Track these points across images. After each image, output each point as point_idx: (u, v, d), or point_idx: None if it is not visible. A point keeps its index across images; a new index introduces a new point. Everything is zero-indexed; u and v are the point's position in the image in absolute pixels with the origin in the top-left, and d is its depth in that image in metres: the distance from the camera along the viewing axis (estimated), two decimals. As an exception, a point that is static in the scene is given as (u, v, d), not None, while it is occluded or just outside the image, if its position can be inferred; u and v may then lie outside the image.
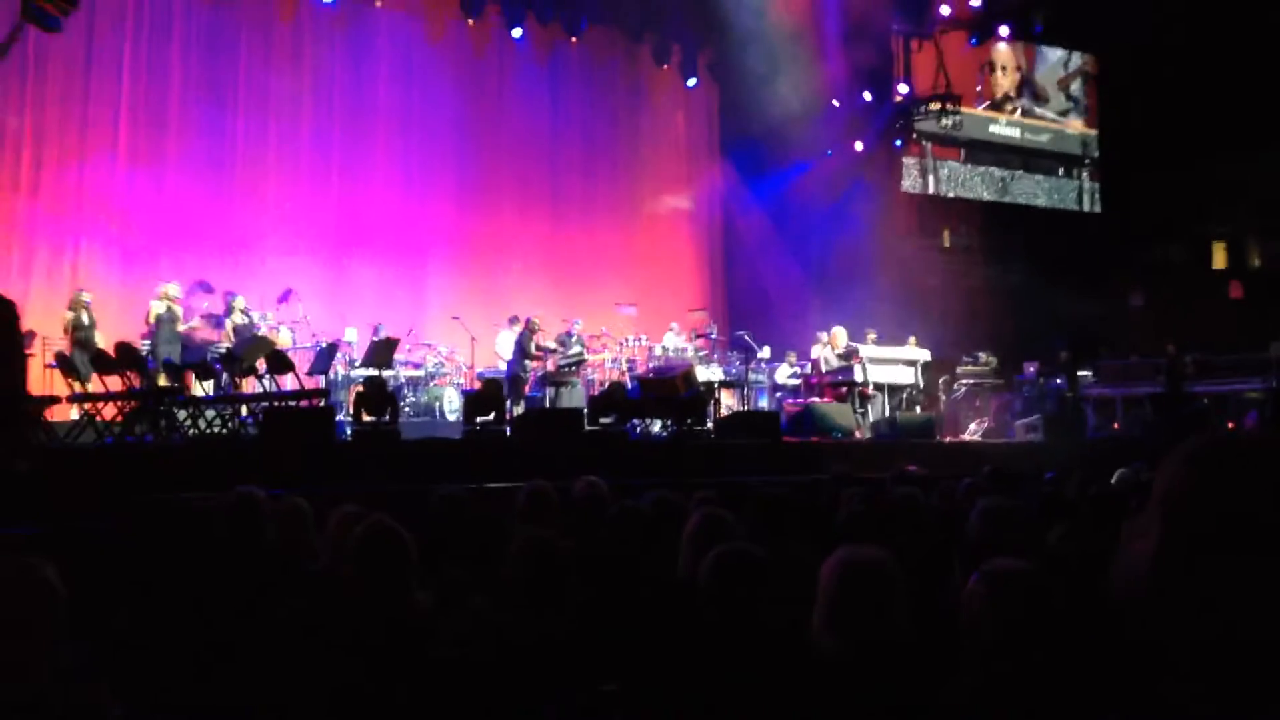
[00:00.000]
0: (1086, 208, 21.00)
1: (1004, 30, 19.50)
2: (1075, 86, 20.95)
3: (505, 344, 14.69)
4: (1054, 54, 20.78)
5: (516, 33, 17.21)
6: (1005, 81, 20.41)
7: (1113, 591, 2.29)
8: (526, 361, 14.17)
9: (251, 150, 15.57)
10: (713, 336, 15.97)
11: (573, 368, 14.50)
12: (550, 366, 14.46)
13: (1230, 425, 15.21)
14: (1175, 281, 19.87)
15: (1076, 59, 20.91)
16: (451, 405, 14.01)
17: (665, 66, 18.66)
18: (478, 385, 13.86)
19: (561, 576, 3.38)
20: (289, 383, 11.53)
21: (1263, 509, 2.17)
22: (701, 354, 15.61)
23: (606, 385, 14.52)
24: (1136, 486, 5.19)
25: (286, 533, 4.36)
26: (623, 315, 16.03)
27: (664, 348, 15.55)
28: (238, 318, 13.07)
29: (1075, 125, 20.98)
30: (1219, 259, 21.08)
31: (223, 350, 12.27)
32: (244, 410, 10.88)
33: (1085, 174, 21.03)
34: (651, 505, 4.38)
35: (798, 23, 17.21)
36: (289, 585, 3.77)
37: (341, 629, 3.21)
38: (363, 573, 3.31)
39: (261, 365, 10.93)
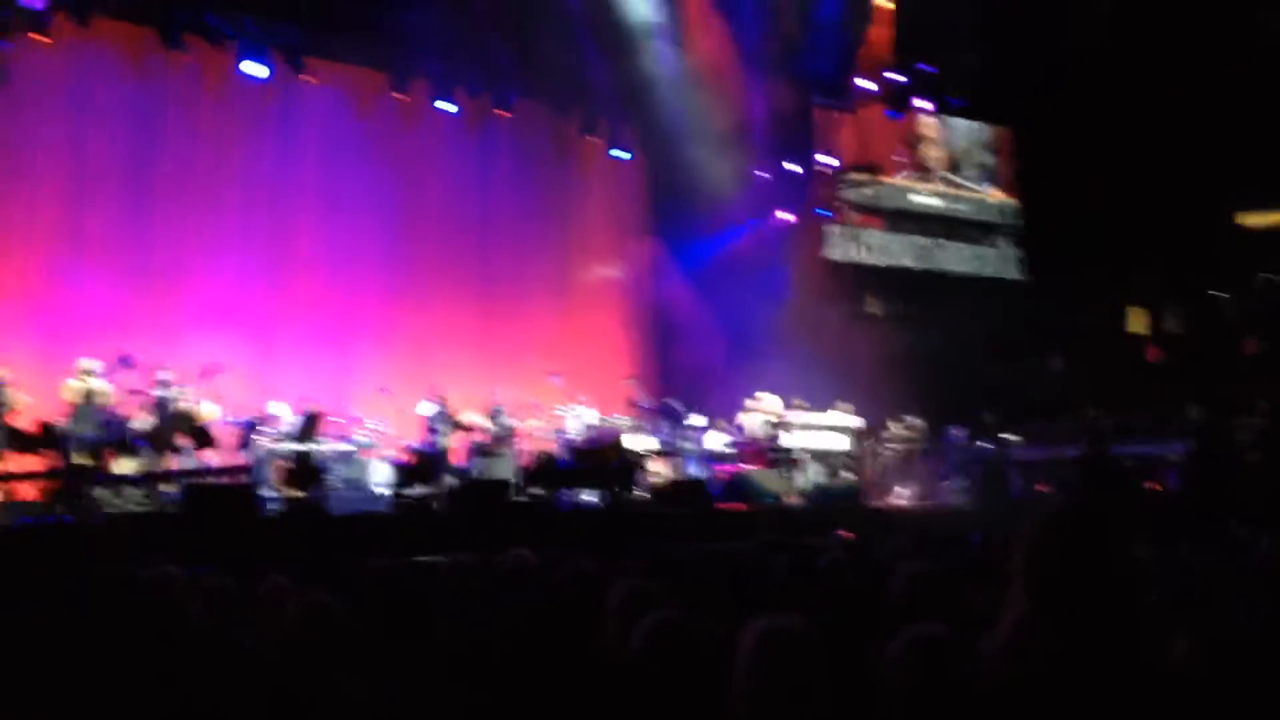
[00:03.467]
0: (1007, 275, 21.43)
1: (922, 104, 20.03)
2: (986, 156, 21.46)
3: (426, 414, 14.55)
4: (968, 125, 21.28)
5: (445, 106, 17.31)
6: (932, 154, 20.87)
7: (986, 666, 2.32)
8: (453, 433, 14.08)
9: (176, 225, 15.41)
10: (643, 405, 16.01)
11: (503, 439, 14.44)
12: (480, 438, 14.39)
13: (1153, 486, 15.51)
14: (1094, 346, 20.28)
15: (983, 130, 21.45)
16: (381, 479, 13.88)
17: (594, 140, 18.87)
18: (407, 458, 13.76)
19: (487, 652, 3.36)
20: (213, 459, 11.37)
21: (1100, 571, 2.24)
22: (632, 423, 15.63)
23: (538, 456, 14.49)
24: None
25: (209, 611, 4.28)
26: (553, 385, 16.01)
27: (579, 417, 15.51)
28: (160, 393, 12.85)
29: (995, 194, 21.46)
30: (1136, 323, 21.55)
31: (144, 427, 12.06)
32: (166, 487, 10.70)
33: (1005, 242, 21.48)
34: (572, 577, 4.37)
35: (722, 96, 17.54)
36: (213, 665, 3.70)
37: (271, 710, 3.16)
38: (295, 653, 3.27)
39: (184, 441, 10.78)
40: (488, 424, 14.52)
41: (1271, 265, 20.36)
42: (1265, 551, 6.39)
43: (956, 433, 17.00)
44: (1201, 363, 18.72)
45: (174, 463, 11.63)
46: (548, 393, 15.86)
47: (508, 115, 17.87)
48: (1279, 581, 4.66)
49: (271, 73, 15.88)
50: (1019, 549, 2.37)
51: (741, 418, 15.45)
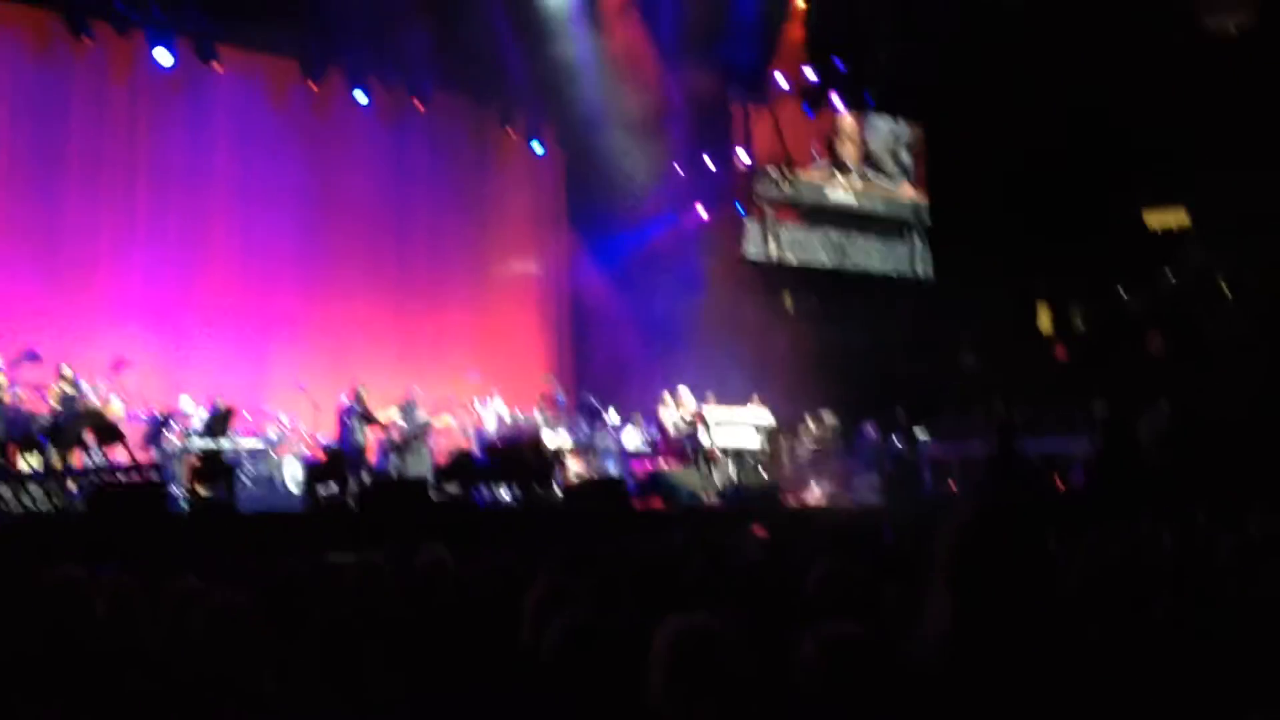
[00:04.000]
0: (919, 271, 21.72)
1: (836, 100, 20.25)
2: (904, 155, 21.73)
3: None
4: (884, 121, 21.53)
5: (360, 97, 17.11)
6: (849, 150, 21.07)
7: (911, 661, 2.37)
8: (368, 429, 13.96)
9: (83, 217, 15.07)
10: (560, 401, 16.00)
11: (418, 435, 14.33)
12: (394, 435, 14.27)
13: (1058, 482, 15.83)
14: (1004, 343, 20.62)
15: (904, 128, 21.72)
16: (293, 476, 13.70)
17: (512, 134, 18.80)
18: (320, 455, 13.61)
19: (401, 650, 3.33)
20: (120, 455, 11.13)
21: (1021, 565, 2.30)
22: (549, 419, 15.60)
23: (454, 453, 14.40)
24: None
25: (112, 612, 4.19)
26: (469, 381, 15.92)
27: (495, 413, 15.45)
28: (65, 388, 12.54)
29: (907, 191, 21.73)
30: (1044, 321, 21.96)
31: (48, 423, 11.76)
32: (71, 485, 10.46)
33: (917, 238, 21.78)
34: (491, 574, 4.34)
35: (640, 91, 17.59)
36: (119, 666, 3.62)
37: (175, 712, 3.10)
38: (207, 655, 3.21)
39: (90, 438, 10.55)
40: (403, 420, 14.40)
41: (1175, 262, 20.87)
42: (1168, 546, 6.54)
43: (870, 430, 17.20)
44: (1107, 359, 19.12)
45: (80, 460, 11.36)
46: (464, 389, 15.78)
47: (424, 107, 17.70)
48: (1180, 575, 4.78)
49: (180, 60, 15.56)
50: (940, 546, 2.40)
51: (659, 412, 15.49)
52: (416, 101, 17.59)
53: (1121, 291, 21.09)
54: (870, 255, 21.25)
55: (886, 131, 21.66)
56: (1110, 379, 17.28)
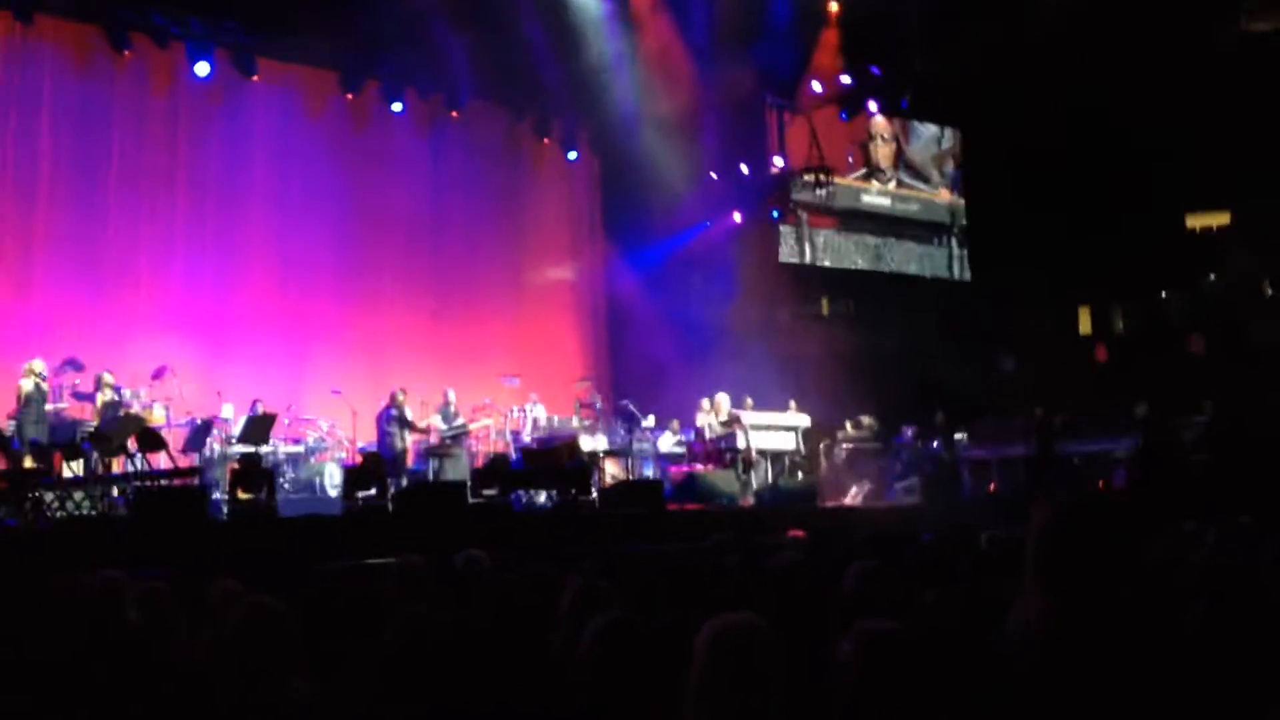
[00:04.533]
0: (956, 275, 21.60)
1: (872, 106, 20.19)
2: (949, 165, 21.65)
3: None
4: (928, 130, 21.44)
5: (397, 107, 17.23)
6: (884, 153, 21.00)
7: (1006, 656, 2.35)
8: (406, 434, 14.05)
9: (124, 227, 15.24)
10: (597, 406, 16.02)
11: (456, 440, 14.40)
12: (433, 439, 14.34)
13: (1100, 484, 15.69)
14: (1043, 346, 20.47)
15: (949, 136, 21.62)
16: (332, 480, 13.78)
17: (546, 141, 18.86)
18: (359, 460, 13.68)
19: (440, 655, 3.33)
20: (161, 461, 11.24)
21: (1116, 557, 2.28)
22: (586, 424, 15.63)
23: (490, 457, 14.45)
24: (1005, 547, 5.32)
25: (148, 617, 4.22)
26: (506, 387, 15.98)
27: (532, 417, 15.49)
28: (108, 395, 12.69)
29: (943, 194, 21.62)
30: (1084, 324, 21.79)
31: (92, 429, 11.90)
32: (114, 491, 10.57)
33: (954, 241, 21.66)
34: (528, 578, 4.35)
35: (675, 97, 17.59)
36: (152, 672, 3.65)
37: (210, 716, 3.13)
38: (241, 658, 3.23)
39: (132, 444, 10.65)
40: (441, 425, 14.47)
41: (1216, 265, 20.66)
42: (1211, 547, 6.47)
43: (908, 432, 17.12)
44: (1148, 362, 18.95)
45: (123, 466, 11.48)
46: (501, 394, 15.83)
47: (459, 116, 17.79)
48: (1222, 576, 4.73)
49: (219, 72, 15.71)
50: (1032, 542, 2.38)
51: (697, 418, 15.48)
52: (452, 111, 17.69)
53: (1163, 294, 20.91)
54: (907, 259, 21.16)
55: (925, 136, 21.58)
56: (1152, 381, 17.13)
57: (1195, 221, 21.06)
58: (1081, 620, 2.25)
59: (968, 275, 21.62)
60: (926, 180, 21.45)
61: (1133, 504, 13.63)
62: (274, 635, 3.25)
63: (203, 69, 15.52)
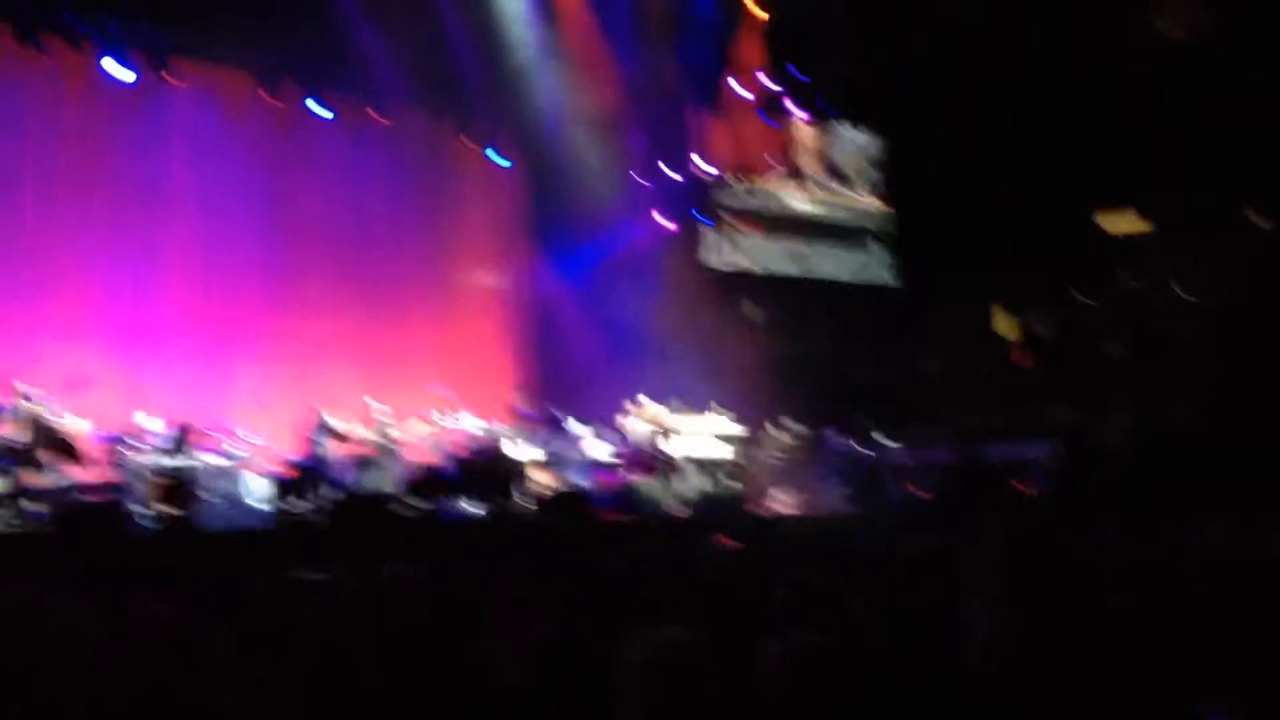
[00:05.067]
0: (881, 280, 21.83)
1: (794, 109, 20.34)
2: (865, 164, 21.87)
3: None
4: (852, 136, 21.63)
5: (319, 110, 17.03)
6: (808, 161, 21.16)
7: (953, 666, 2.39)
8: (334, 443, 13.91)
9: (39, 233, 14.90)
10: (525, 413, 15.97)
11: (384, 450, 14.27)
12: (361, 449, 14.21)
13: (1019, 487, 15.94)
14: (965, 349, 20.77)
15: (865, 136, 21.84)
16: (259, 493, 13.59)
17: (471, 145, 18.75)
18: (285, 471, 13.52)
19: (359, 670, 3.31)
20: (80, 474, 11.02)
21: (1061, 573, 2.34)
22: (515, 431, 15.57)
23: (420, 467, 14.36)
24: (929, 553, 5.39)
25: (69, 635, 4.12)
26: (435, 395, 15.86)
27: (461, 426, 15.40)
28: (24, 407, 12.39)
29: (868, 200, 21.85)
30: (1006, 328, 22.13)
31: (7, 443, 11.61)
32: (32, 505, 10.34)
33: (878, 247, 21.89)
34: (456, 589, 4.34)
35: (599, 101, 17.62)
36: (69, 690, 3.57)
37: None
38: (159, 676, 3.18)
39: (48, 457, 10.43)
40: (368, 435, 14.34)
41: (1134, 267, 21.09)
42: (1127, 552, 6.61)
43: (833, 436, 17.27)
44: (1068, 365, 19.29)
45: (40, 480, 11.23)
46: (429, 402, 15.72)
47: (381, 119, 17.63)
48: (1140, 579, 4.83)
49: (136, 74, 15.42)
50: (986, 563, 2.44)
51: (623, 422, 15.49)
52: (374, 114, 17.51)
53: (1080, 297, 21.29)
54: (831, 263, 21.33)
55: (848, 140, 21.79)
56: (1071, 384, 17.44)
57: (1112, 225, 21.49)
58: (1042, 630, 2.32)
59: (891, 280, 21.85)
60: (845, 182, 21.64)
61: (1053, 507, 13.88)
62: (190, 652, 3.21)
63: (118, 70, 15.19)
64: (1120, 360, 19.52)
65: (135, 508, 11.05)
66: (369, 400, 14.81)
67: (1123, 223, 21.32)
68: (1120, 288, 21.13)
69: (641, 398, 15.36)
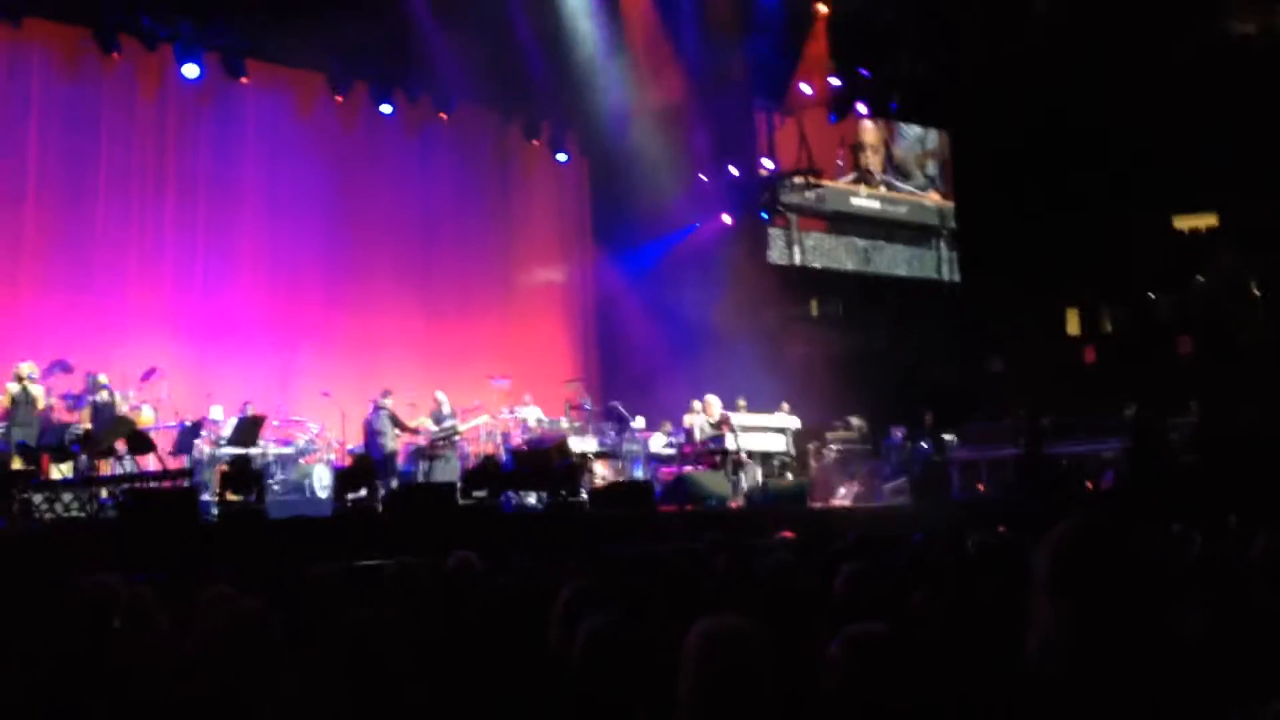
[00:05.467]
0: (945, 276, 21.66)
1: (861, 108, 20.23)
2: (931, 165, 21.69)
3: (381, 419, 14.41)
4: (912, 131, 21.49)
5: (385, 109, 17.21)
6: (873, 159, 21.05)
7: (1029, 671, 2.38)
8: (396, 435, 14.05)
9: (113, 229, 15.22)
10: (587, 407, 16.02)
11: (446, 441, 14.40)
12: (423, 441, 14.34)
13: (1089, 485, 15.74)
14: (1031, 347, 20.55)
15: (934, 137, 21.67)
16: (322, 482, 13.77)
17: (535, 142, 18.86)
18: (349, 462, 13.68)
19: (418, 655, 3.34)
20: (151, 463, 11.22)
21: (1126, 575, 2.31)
22: (576, 425, 15.63)
23: (480, 458, 14.45)
24: (992, 550, 5.34)
25: (133, 621, 4.21)
26: (496, 388, 15.97)
27: (523, 418, 15.47)
28: (98, 397, 12.67)
29: (932, 197, 21.68)
30: (1073, 325, 21.87)
31: (81, 432, 11.87)
32: (103, 493, 10.55)
33: (943, 244, 21.71)
34: (522, 579, 4.36)
35: (664, 99, 17.63)
36: (138, 675, 3.65)
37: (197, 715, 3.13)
38: (226, 661, 3.23)
39: (121, 446, 10.63)
40: (431, 427, 14.46)
41: (1204, 266, 20.75)
42: (1198, 550, 6.51)
43: (897, 433, 17.16)
44: (1137, 363, 19.02)
45: (112, 468, 11.46)
46: (491, 396, 15.83)
47: (448, 118, 17.78)
48: (1212, 579, 4.75)
49: (208, 75, 15.70)
50: (1046, 556, 2.42)
51: (686, 419, 15.49)
52: (441, 113, 17.68)
53: (1151, 295, 20.99)
54: (896, 261, 21.20)
55: (912, 139, 21.65)
56: (1140, 382, 17.19)
57: (1183, 223, 21.16)
58: (1104, 629, 2.29)
59: (957, 277, 21.67)
60: (910, 180, 21.49)
61: (1121, 505, 13.68)
62: (256, 637, 3.25)
63: (191, 71, 15.48)
64: (1190, 358, 19.22)
65: (203, 496, 11.23)
66: (432, 392, 14.94)
67: (1194, 220, 20.98)
68: (1191, 285, 20.80)
69: (706, 396, 15.34)
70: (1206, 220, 21.04)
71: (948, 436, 17.11)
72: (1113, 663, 2.25)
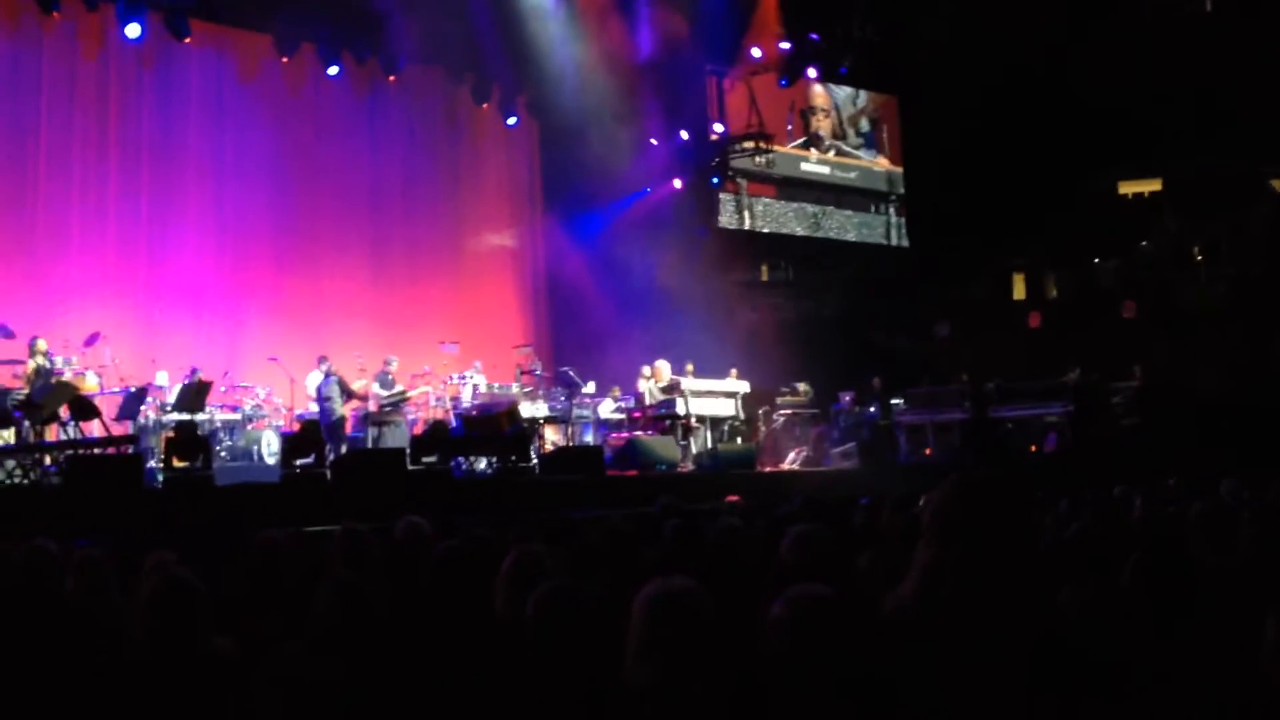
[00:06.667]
0: (894, 242, 21.79)
1: (811, 72, 20.24)
2: (864, 123, 21.75)
3: (313, 384, 14.30)
4: (843, 91, 21.47)
5: (333, 71, 16.98)
6: (823, 124, 21.08)
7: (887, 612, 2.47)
8: (341, 401, 13.96)
9: (55, 191, 14.95)
10: (537, 373, 16.01)
11: (395, 407, 14.34)
12: (372, 406, 14.27)
13: (1033, 448, 15.98)
14: (978, 312, 20.76)
15: (862, 96, 21.70)
16: (270, 449, 13.68)
17: (485, 106, 18.69)
18: (297, 427, 13.60)
19: (366, 618, 3.35)
20: (95, 429, 11.10)
21: (1004, 531, 2.43)
22: (526, 390, 15.62)
23: (430, 424, 14.42)
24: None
25: (82, 585, 4.19)
26: (446, 353, 15.90)
27: (472, 384, 15.43)
28: (39, 362, 12.46)
29: (882, 162, 21.77)
30: (1019, 290, 22.11)
31: (23, 397, 11.69)
32: (47, 459, 10.42)
33: (892, 209, 21.82)
34: (469, 544, 4.37)
35: (613, 63, 17.53)
36: (84, 639, 3.64)
37: (132, 680, 3.14)
38: (153, 624, 3.25)
39: (65, 412, 10.51)
40: (380, 392, 14.40)
41: (1148, 231, 21.03)
42: (1138, 511, 6.64)
43: (845, 398, 17.29)
44: (1081, 328, 19.27)
45: (56, 434, 11.32)
46: (441, 361, 15.77)
47: (396, 80, 17.59)
48: (1149, 539, 4.86)
49: (151, 34, 15.39)
50: (928, 509, 2.53)
51: (638, 385, 15.53)
52: (389, 75, 17.47)
53: (1096, 260, 21.24)
54: (845, 226, 21.29)
55: (861, 102, 21.69)
56: (1085, 347, 17.43)
57: (1128, 188, 21.43)
58: (958, 580, 2.40)
59: (905, 243, 21.81)
60: (859, 145, 21.55)
61: (1063, 467, 13.90)
62: (183, 599, 3.28)
63: (134, 31, 15.15)
64: (1133, 322, 19.50)
65: (149, 462, 11.14)
66: (380, 357, 14.85)
67: (1139, 185, 21.25)
68: (1135, 250, 21.08)
69: (656, 361, 15.38)
70: (1150, 185, 21.31)
71: (895, 401, 17.27)
72: (961, 608, 2.35)
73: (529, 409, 14.66)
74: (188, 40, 15.74)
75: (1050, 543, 4.99)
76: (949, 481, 2.57)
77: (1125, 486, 7.64)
